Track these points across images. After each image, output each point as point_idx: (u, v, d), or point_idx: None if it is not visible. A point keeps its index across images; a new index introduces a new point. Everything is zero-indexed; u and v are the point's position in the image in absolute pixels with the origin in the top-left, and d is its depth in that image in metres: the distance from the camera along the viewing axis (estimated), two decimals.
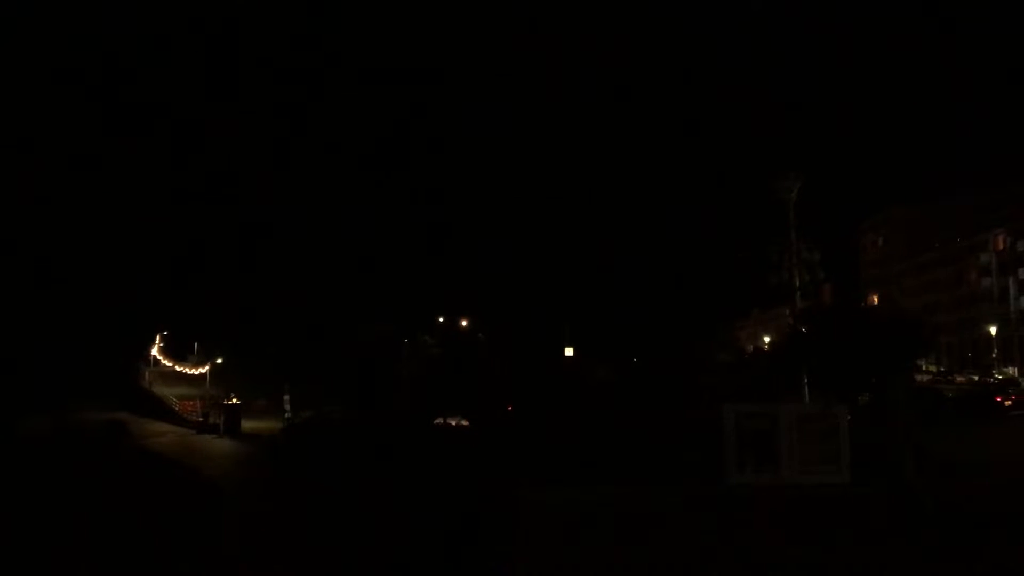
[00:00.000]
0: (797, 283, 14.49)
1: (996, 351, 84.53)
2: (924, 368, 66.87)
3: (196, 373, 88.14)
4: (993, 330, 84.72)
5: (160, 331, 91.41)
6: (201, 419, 58.02)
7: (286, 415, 54.73)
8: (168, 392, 73.76)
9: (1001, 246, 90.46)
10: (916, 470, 11.22)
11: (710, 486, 11.55)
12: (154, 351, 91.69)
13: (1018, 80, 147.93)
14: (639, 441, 12.96)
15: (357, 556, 9.69)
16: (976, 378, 71.74)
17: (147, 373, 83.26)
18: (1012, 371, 76.57)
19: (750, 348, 74.00)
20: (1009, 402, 34.48)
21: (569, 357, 53.86)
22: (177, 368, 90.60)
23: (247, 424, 53.56)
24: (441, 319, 73.83)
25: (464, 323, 70.73)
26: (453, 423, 37.92)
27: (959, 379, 72.54)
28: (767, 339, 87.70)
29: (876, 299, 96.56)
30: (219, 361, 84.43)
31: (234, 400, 56.94)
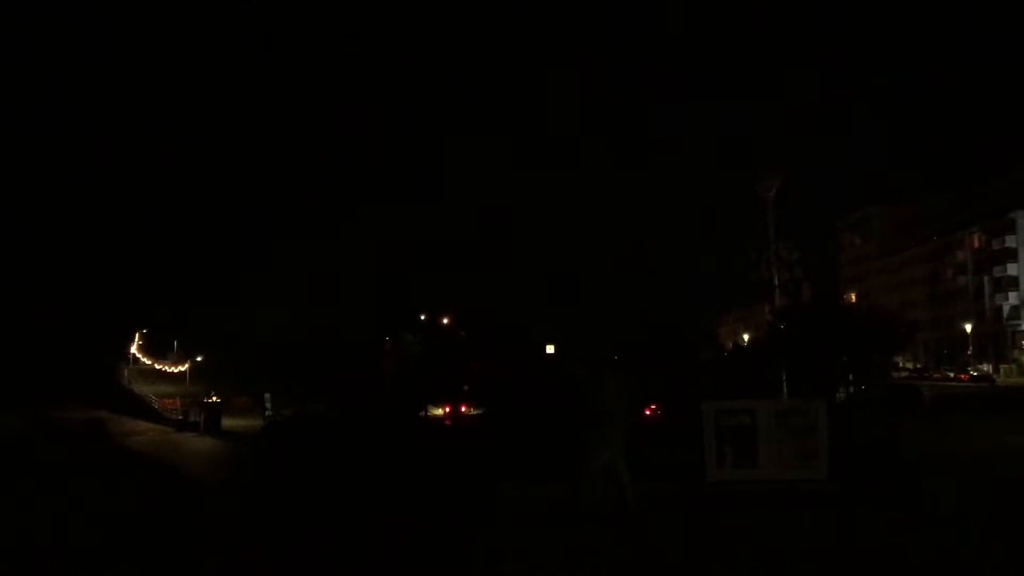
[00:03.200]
0: (776, 281, 14.64)
1: (971, 348, 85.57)
2: (901, 365, 67.53)
3: (176, 371, 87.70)
4: (968, 327, 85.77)
5: (139, 329, 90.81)
6: (181, 417, 57.82)
7: (267, 413, 54.63)
8: (148, 390, 73.41)
9: (976, 244, 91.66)
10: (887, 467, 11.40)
11: (690, 483, 11.68)
12: (133, 349, 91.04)
13: (993, 80, 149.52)
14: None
15: (339, 554, 9.75)
16: (952, 374, 72.62)
17: (126, 371, 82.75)
18: (987, 368, 77.56)
19: (730, 345, 74.43)
20: None
21: (550, 354, 54.02)
22: (157, 366, 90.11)
23: (228, 422, 53.42)
24: (423, 316, 73.87)
25: (446, 320, 70.78)
26: (434, 416, 38.08)
27: (935, 376, 73.36)
28: (747, 336, 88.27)
29: (854, 297, 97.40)
30: (199, 359, 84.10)
31: (214, 398, 56.74)
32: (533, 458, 12.54)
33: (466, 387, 45.12)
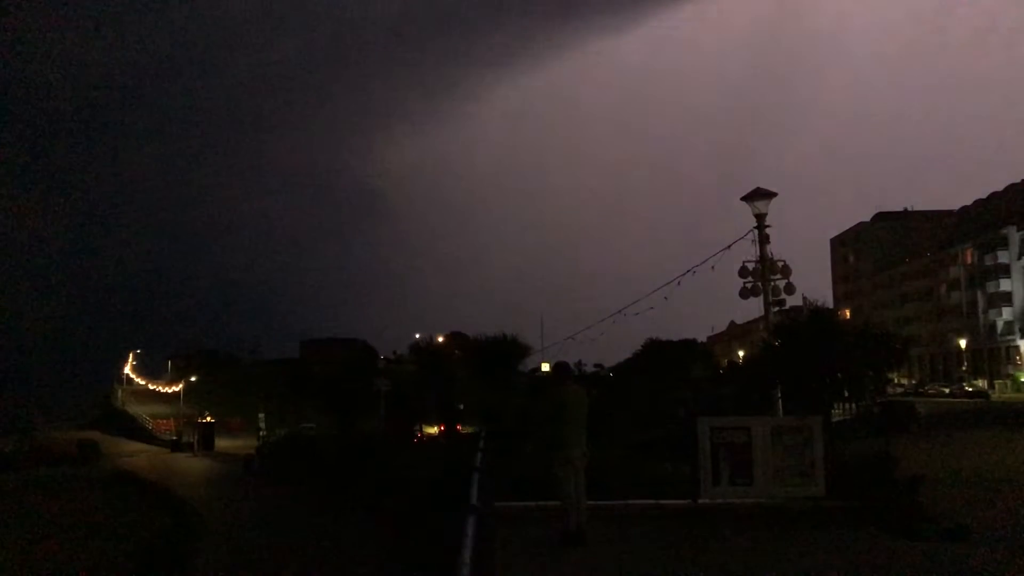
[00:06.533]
0: (770, 298, 14.63)
1: (966, 364, 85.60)
2: (896, 381, 67.52)
3: (170, 391, 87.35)
4: (963, 343, 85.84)
5: (133, 350, 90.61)
6: (175, 438, 57.56)
7: (261, 433, 54.44)
8: (141, 411, 73.02)
9: (970, 260, 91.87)
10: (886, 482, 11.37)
11: (684, 500, 11.62)
12: (127, 370, 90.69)
13: (985, 98, 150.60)
14: (613, 455, 13.02)
15: (332, 571, 9.69)
16: (947, 390, 72.59)
17: (120, 392, 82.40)
18: (982, 383, 77.56)
19: (725, 362, 74.36)
20: None
21: (545, 373, 53.83)
22: (150, 387, 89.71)
23: (221, 442, 53.21)
24: (418, 335, 73.82)
25: (441, 339, 70.68)
26: (428, 436, 37.96)
27: (930, 392, 73.31)
28: (741, 353, 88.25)
29: (848, 313, 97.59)
30: (193, 379, 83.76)
31: (208, 418, 56.49)
32: (525, 476, 12.45)
33: (461, 406, 44.91)
